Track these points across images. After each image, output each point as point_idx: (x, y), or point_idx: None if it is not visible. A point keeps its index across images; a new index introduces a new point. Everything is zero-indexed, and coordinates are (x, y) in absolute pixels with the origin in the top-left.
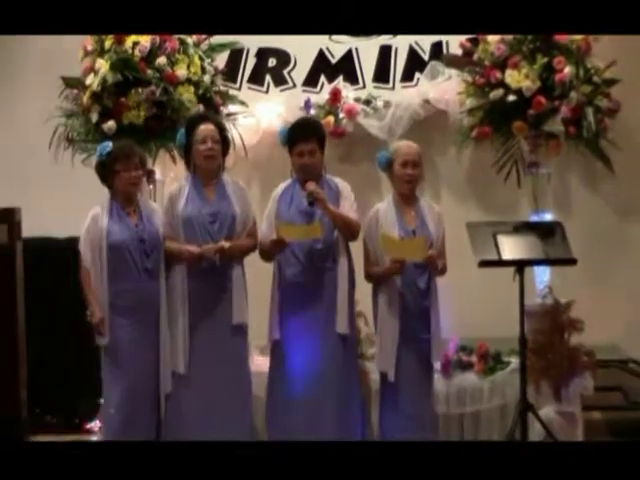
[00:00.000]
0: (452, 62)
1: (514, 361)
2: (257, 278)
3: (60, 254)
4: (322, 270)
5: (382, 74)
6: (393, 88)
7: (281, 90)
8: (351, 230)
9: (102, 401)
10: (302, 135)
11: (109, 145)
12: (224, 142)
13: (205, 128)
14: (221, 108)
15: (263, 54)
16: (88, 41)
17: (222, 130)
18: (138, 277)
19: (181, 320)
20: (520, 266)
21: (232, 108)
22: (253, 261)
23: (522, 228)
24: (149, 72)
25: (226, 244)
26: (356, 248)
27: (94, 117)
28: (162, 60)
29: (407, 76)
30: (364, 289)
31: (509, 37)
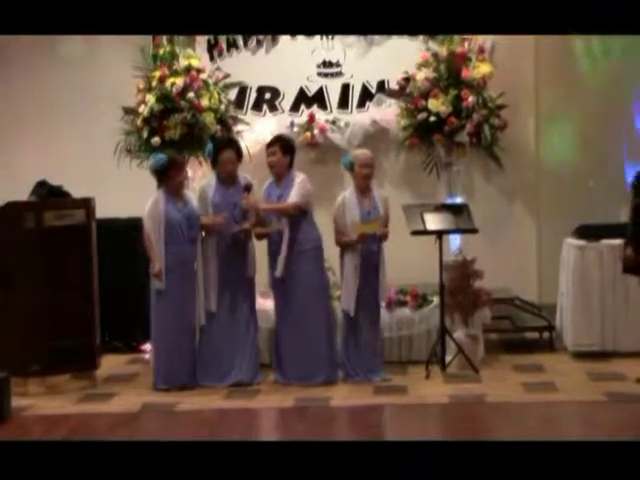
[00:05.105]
0: (392, 94)
1: (436, 300)
2: (260, 247)
3: (122, 230)
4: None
5: (344, 103)
6: (351, 112)
7: (274, 115)
8: (284, 213)
9: (152, 331)
10: (268, 143)
11: (163, 157)
12: (239, 157)
13: (227, 154)
14: (232, 127)
15: (261, 90)
16: (140, 82)
17: (238, 149)
18: (185, 244)
19: (212, 273)
20: (439, 234)
21: (240, 127)
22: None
23: (441, 208)
24: (182, 103)
25: (246, 225)
26: (328, 226)
27: (145, 134)
28: (191, 95)
29: (361, 104)
30: (334, 251)
31: (431, 76)
